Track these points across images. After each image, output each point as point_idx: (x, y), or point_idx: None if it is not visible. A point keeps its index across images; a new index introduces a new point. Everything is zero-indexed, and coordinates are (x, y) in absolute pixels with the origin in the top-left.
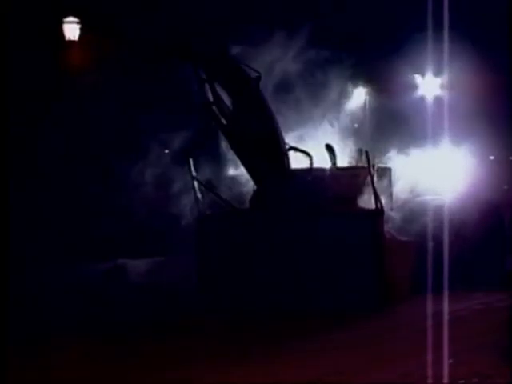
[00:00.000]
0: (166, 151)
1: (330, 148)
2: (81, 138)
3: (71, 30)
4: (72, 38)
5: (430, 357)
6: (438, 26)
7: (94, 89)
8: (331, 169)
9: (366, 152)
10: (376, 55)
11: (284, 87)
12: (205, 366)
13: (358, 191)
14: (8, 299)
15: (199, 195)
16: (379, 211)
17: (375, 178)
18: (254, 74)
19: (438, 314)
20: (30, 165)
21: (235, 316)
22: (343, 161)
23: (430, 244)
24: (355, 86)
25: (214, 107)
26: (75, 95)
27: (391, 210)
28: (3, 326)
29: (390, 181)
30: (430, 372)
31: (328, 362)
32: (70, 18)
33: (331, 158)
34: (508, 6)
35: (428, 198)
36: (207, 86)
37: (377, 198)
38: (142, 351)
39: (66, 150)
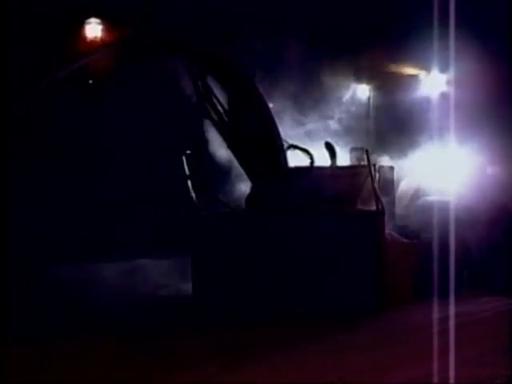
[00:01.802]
0: (188, 151)
1: (329, 146)
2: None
3: (93, 30)
4: (94, 39)
5: (448, 359)
6: (444, 21)
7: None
8: (331, 168)
9: (367, 150)
10: (380, 51)
11: (284, 84)
12: (218, 366)
13: (359, 191)
14: (24, 298)
15: (193, 195)
16: (380, 212)
17: (376, 178)
18: (249, 70)
19: (447, 317)
20: (45, 160)
21: (234, 319)
22: (345, 160)
23: (436, 246)
24: (358, 82)
25: (207, 104)
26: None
27: (394, 210)
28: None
29: (392, 180)
30: (451, 373)
31: (343, 362)
32: (92, 19)
33: (331, 157)
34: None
35: (434, 198)
36: (200, 82)
37: (377, 198)
38: (152, 352)
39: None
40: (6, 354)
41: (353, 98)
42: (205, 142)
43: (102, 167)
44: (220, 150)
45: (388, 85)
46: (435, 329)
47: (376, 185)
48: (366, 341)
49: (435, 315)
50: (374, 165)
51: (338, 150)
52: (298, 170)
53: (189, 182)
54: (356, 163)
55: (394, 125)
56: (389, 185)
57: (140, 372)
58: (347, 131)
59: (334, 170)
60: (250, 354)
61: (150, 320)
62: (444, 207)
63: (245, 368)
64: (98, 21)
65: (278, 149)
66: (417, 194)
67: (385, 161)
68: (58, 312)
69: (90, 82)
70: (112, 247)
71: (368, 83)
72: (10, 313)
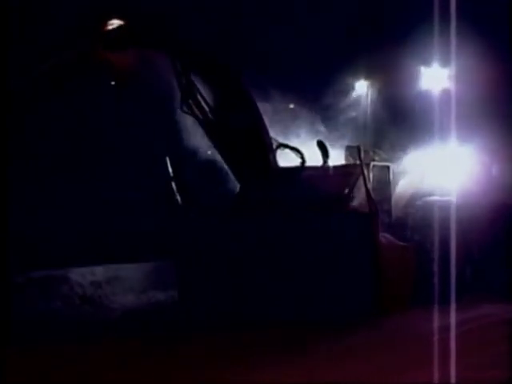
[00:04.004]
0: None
1: (321, 145)
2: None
3: None
4: None
5: (451, 364)
6: (445, 14)
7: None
8: (322, 167)
9: (358, 148)
10: (379, 45)
11: (277, 80)
12: (218, 367)
13: (351, 191)
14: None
15: (178, 197)
16: (372, 213)
17: (370, 177)
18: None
19: (448, 324)
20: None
21: (226, 323)
22: (340, 159)
23: (436, 248)
24: (356, 78)
25: (191, 101)
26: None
27: (390, 211)
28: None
29: (388, 180)
30: (466, 374)
31: (357, 364)
32: (115, 20)
33: (323, 156)
34: None
35: (434, 198)
36: (184, 78)
37: (370, 198)
38: (152, 352)
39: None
40: (6, 354)
41: (350, 94)
42: (190, 142)
43: (102, 167)
44: (207, 149)
45: (387, 80)
46: (436, 336)
47: (369, 185)
48: (365, 347)
49: (436, 323)
50: (368, 164)
51: (334, 148)
52: (288, 170)
53: (173, 184)
54: (351, 162)
55: (393, 122)
56: (384, 184)
57: (140, 373)
58: (342, 129)
59: (326, 169)
60: (250, 354)
61: (151, 321)
62: (445, 208)
63: (246, 369)
64: (120, 22)
65: (266, 148)
66: (416, 194)
67: (382, 159)
68: (61, 313)
69: (113, 83)
70: (113, 248)
71: (366, 78)
72: (11, 314)
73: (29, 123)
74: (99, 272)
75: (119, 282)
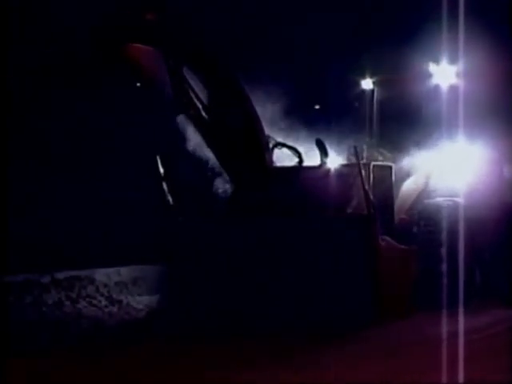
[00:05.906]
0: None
1: (320, 144)
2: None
3: None
4: None
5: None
6: (454, 10)
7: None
8: (320, 167)
9: (355, 147)
10: (386, 42)
11: (276, 78)
12: (225, 367)
13: (351, 192)
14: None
15: (170, 199)
16: (371, 215)
17: (371, 178)
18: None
19: (456, 331)
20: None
21: (224, 326)
22: (341, 159)
23: (443, 251)
24: (362, 75)
25: (183, 98)
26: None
27: (392, 213)
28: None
29: (390, 180)
30: (468, 377)
31: (358, 367)
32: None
33: (322, 155)
34: None
35: (441, 199)
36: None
37: (368, 200)
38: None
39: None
40: (6, 354)
41: (355, 92)
42: (183, 140)
43: (102, 167)
44: (200, 148)
45: (393, 77)
46: (444, 343)
47: (367, 186)
48: (367, 350)
49: (442, 328)
50: (368, 164)
51: (336, 148)
52: (285, 169)
53: (164, 184)
54: (352, 162)
55: (400, 120)
56: (386, 185)
57: (140, 373)
58: (346, 127)
59: (324, 169)
60: (250, 355)
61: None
62: (453, 209)
63: (247, 369)
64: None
65: (262, 147)
66: (423, 195)
67: (387, 159)
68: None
69: (138, 84)
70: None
71: (372, 76)
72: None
73: (29, 123)
74: (124, 272)
75: (143, 282)
